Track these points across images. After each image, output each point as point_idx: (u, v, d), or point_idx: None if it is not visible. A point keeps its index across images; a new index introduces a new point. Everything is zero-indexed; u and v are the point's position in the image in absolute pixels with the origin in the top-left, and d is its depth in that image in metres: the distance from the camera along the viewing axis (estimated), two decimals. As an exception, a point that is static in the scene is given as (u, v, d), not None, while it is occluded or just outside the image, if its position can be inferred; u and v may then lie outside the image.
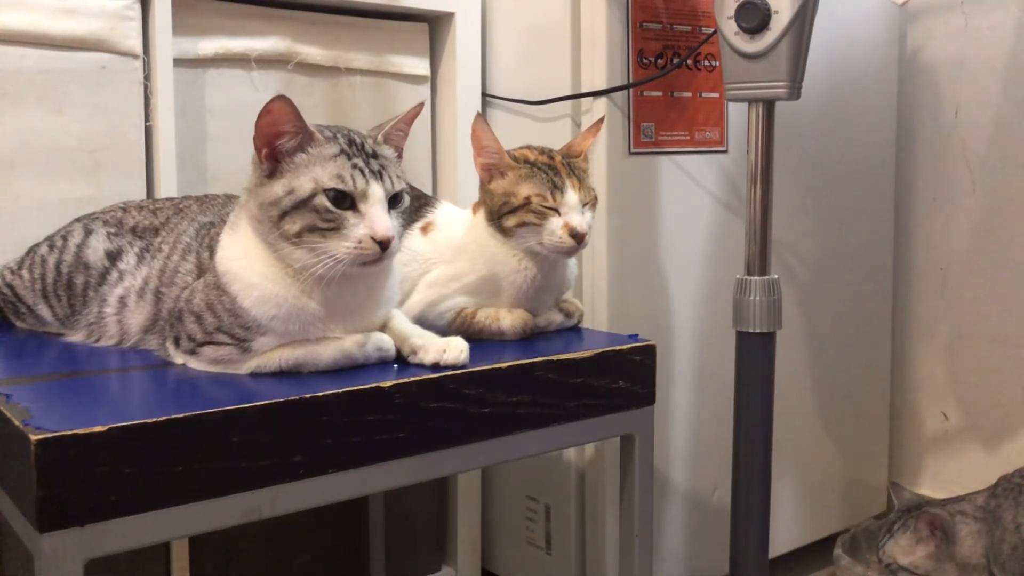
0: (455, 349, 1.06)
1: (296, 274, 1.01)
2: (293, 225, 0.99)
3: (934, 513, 1.57)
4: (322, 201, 0.99)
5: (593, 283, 1.56)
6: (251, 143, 1.02)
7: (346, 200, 1.00)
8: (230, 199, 1.24)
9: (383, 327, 1.11)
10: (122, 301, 1.16)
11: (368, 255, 1.00)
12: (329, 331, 1.04)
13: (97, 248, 1.19)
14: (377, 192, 1.01)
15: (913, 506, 1.65)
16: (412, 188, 1.39)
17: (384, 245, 1.00)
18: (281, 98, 0.98)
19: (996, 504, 1.55)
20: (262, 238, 1.02)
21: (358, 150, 1.03)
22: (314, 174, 1.00)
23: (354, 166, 1.00)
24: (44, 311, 1.22)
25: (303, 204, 0.99)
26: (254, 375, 1.03)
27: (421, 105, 1.11)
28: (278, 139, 1.00)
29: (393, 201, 1.03)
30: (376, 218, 1.00)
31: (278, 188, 1.00)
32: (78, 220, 1.26)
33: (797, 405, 1.84)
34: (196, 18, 1.47)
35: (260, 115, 0.99)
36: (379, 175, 1.02)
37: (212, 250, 1.09)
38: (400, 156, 1.10)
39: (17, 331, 1.27)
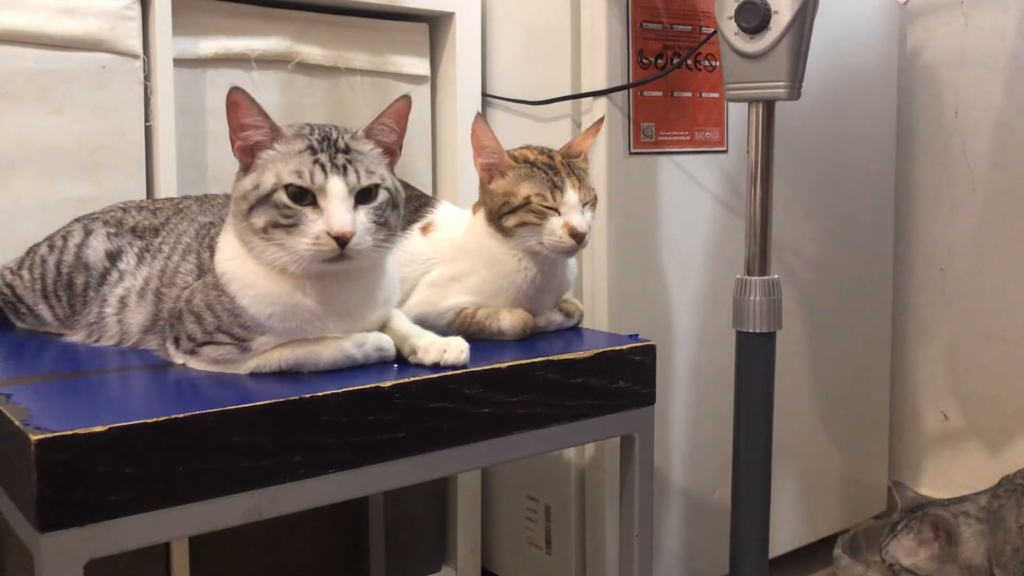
0: (455, 349, 1.06)
1: (272, 266, 1.01)
2: (258, 220, 1.00)
3: (937, 515, 1.57)
4: (280, 197, 0.99)
5: (593, 283, 1.56)
6: (251, 143, 1.02)
7: (307, 196, 0.99)
8: (230, 199, 1.24)
9: (383, 327, 1.11)
10: (123, 301, 1.16)
11: (326, 252, 0.98)
12: (327, 330, 1.04)
13: (97, 248, 1.19)
14: (337, 187, 0.99)
15: (916, 506, 1.65)
16: (411, 188, 1.39)
17: (342, 241, 0.98)
18: (235, 90, 0.99)
19: (999, 505, 1.55)
20: (237, 233, 1.03)
21: (329, 145, 1.02)
22: (277, 169, 1.00)
23: (315, 161, 1.00)
24: (44, 311, 1.22)
25: (265, 199, 0.99)
26: (254, 375, 1.03)
27: (406, 98, 1.08)
28: (243, 131, 1.01)
29: (363, 196, 1.02)
30: (333, 214, 0.98)
31: (247, 183, 1.01)
32: (78, 220, 1.26)
33: (797, 405, 1.84)
34: (196, 18, 1.47)
35: (226, 108, 1.00)
36: (343, 169, 1.00)
37: (212, 250, 1.09)
38: (392, 152, 1.08)
39: (17, 331, 1.27)
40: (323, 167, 1.00)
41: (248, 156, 1.02)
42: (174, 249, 1.15)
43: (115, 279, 1.17)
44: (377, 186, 1.03)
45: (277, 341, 1.03)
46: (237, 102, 1.00)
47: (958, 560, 1.55)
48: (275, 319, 1.01)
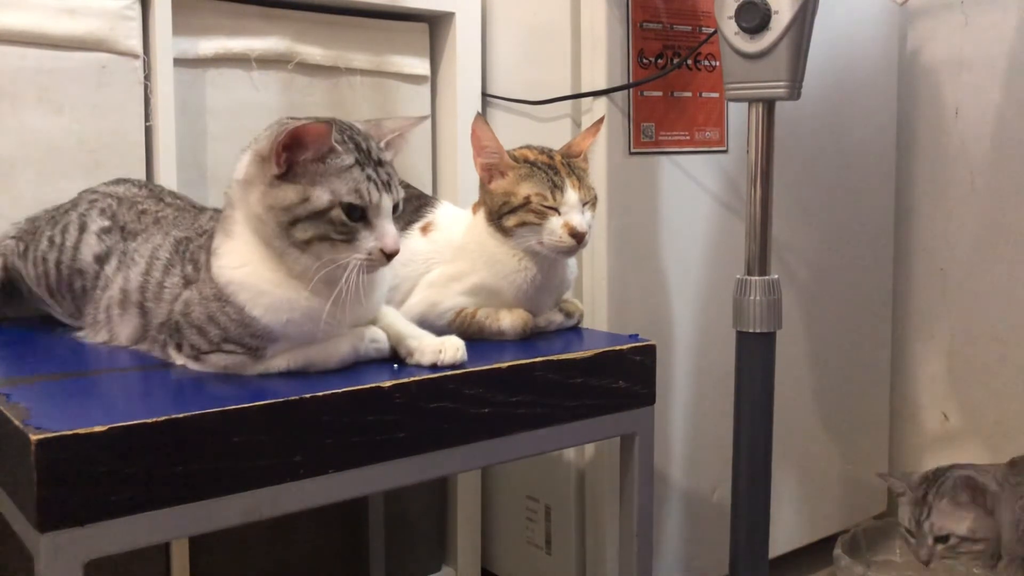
0: (451, 348, 1.06)
1: (301, 275, 1.00)
2: (305, 233, 0.98)
3: (970, 476, 1.49)
4: (339, 215, 0.98)
5: (593, 283, 1.56)
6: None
7: (358, 211, 0.99)
8: (201, 212, 1.22)
9: (378, 322, 1.11)
10: (108, 311, 1.15)
11: (376, 265, 1.01)
12: (340, 328, 1.04)
13: (87, 253, 1.18)
14: (388, 204, 1.02)
15: (930, 474, 1.57)
16: (411, 188, 1.39)
17: (391, 257, 1.01)
18: (327, 124, 0.96)
19: (1017, 481, 1.49)
20: (264, 240, 1.01)
21: (366, 157, 1.02)
22: (332, 186, 0.98)
23: (368, 178, 1.00)
24: (54, 306, 1.23)
25: (318, 215, 0.98)
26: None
27: (426, 118, 1.11)
28: (301, 151, 0.98)
29: (394, 209, 1.04)
30: (387, 232, 1.01)
31: (292, 194, 0.98)
32: (75, 207, 1.25)
33: (797, 405, 1.84)
34: (196, 18, 1.47)
35: (297, 127, 0.95)
36: (388, 186, 1.02)
37: (196, 263, 1.07)
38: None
39: (19, 330, 1.26)
40: (376, 185, 1.00)
41: (286, 163, 0.98)
42: (152, 264, 1.12)
43: (102, 284, 1.17)
44: (402, 198, 1.05)
45: (289, 345, 1.02)
46: (315, 131, 0.96)
47: (995, 516, 1.47)
48: (292, 325, 1.01)
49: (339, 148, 1.00)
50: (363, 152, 1.02)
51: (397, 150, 1.10)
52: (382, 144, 1.06)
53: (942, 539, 1.51)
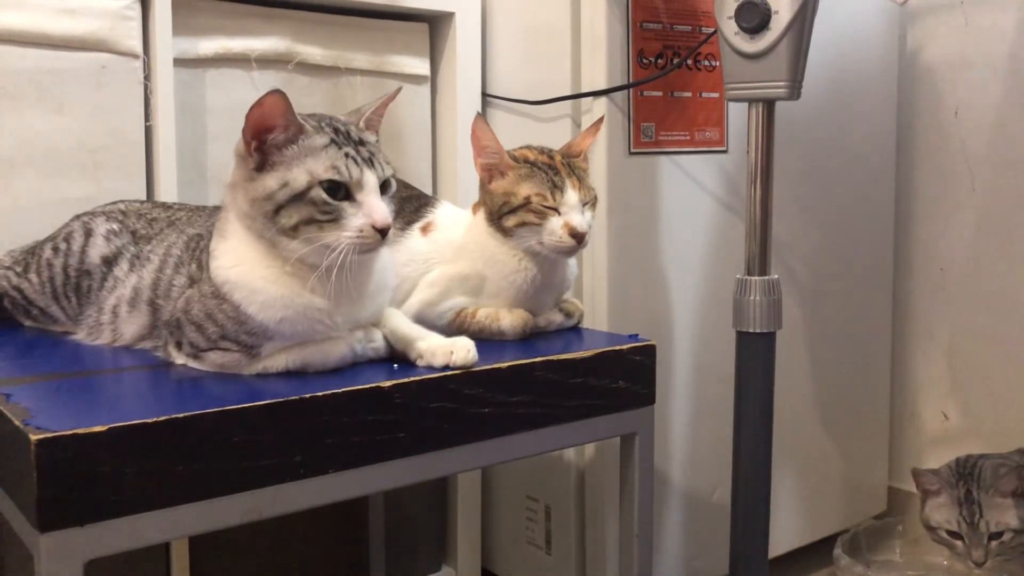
0: (462, 350, 1.06)
1: (295, 270, 1.00)
2: (290, 219, 0.98)
3: (1020, 465, 1.45)
4: (319, 194, 0.98)
5: (593, 283, 1.56)
6: (251, 142, 1.01)
7: (341, 190, 0.99)
8: (217, 210, 1.23)
9: (381, 324, 1.11)
10: (115, 311, 1.15)
11: (368, 244, 1.00)
12: (337, 327, 1.04)
13: (95, 255, 1.19)
14: (371, 180, 1.01)
15: (959, 469, 1.53)
16: (411, 188, 1.39)
17: (384, 232, 1.00)
18: (276, 92, 0.96)
19: None
20: (255, 234, 1.01)
21: (345, 138, 1.02)
22: (308, 166, 0.99)
23: (346, 155, 1.00)
24: (57, 312, 1.22)
25: (299, 197, 0.98)
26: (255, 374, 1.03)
27: (399, 90, 1.11)
28: (268, 133, 0.99)
29: (383, 187, 1.03)
30: (375, 207, 1.00)
31: (271, 182, 0.99)
32: (77, 218, 1.26)
33: (797, 405, 1.84)
34: (196, 18, 1.47)
35: (252, 107, 0.97)
36: (370, 162, 1.01)
37: (200, 262, 1.08)
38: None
39: (19, 330, 1.27)
40: (355, 160, 1.00)
41: (262, 154, 1.00)
42: (165, 261, 1.14)
43: (110, 285, 1.17)
44: (391, 176, 1.05)
45: (285, 343, 1.02)
46: (269, 103, 0.97)
47: None
48: (286, 323, 1.01)
49: (310, 129, 1.00)
50: (341, 134, 1.02)
51: (376, 129, 1.09)
52: (361, 124, 1.07)
53: (995, 536, 1.48)
